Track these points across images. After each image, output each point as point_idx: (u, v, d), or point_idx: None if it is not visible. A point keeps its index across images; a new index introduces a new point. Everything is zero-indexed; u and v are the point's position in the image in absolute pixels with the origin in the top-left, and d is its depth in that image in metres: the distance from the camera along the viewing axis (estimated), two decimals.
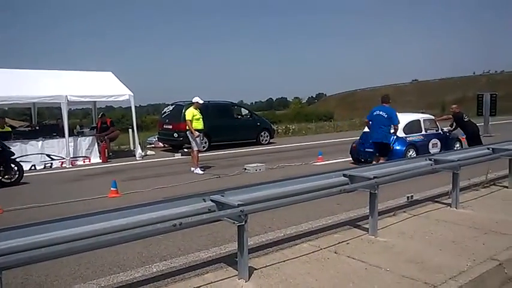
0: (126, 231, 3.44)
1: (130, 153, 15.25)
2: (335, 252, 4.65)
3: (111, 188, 8.25)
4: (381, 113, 8.88)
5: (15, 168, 10.18)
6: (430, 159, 6.62)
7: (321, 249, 4.75)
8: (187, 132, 11.15)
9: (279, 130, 23.55)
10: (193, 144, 11.03)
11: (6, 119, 14.88)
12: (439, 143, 11.20)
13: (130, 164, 13.28)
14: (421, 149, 10.68)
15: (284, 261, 4.41)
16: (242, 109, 19.63)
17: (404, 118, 10.69)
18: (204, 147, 11.36)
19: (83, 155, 13.61)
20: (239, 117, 18.34)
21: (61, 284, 4.09)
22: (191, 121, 10.89)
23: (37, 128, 14.71)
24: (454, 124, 12.28)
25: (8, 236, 3.18)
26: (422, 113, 11.82)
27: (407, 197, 6.86)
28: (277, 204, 4.42)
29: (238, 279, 3.95)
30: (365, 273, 4.10)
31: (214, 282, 3.93)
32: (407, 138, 10.67)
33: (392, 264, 4.26)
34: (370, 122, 9.22)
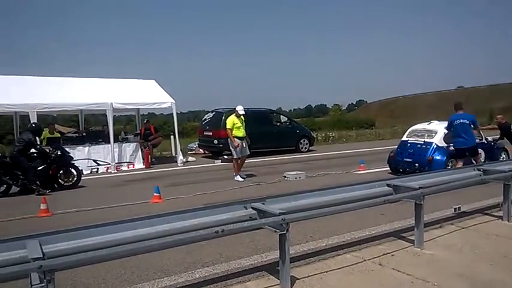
0: (169, 236, 3.50)
1: (172, 160, 15.57)
2: (379, 264, 4.53)
3: (154, 194, 8.44)
4: (462, 120, 9.15)
5: (74, 172, 10.72)
6: (479, 170, 6.37)
7: (365, 260, 4.65)
8: (228, 140, 11.13)
9: (319, 137, 23.37)
10: (233, 152, 11.00)
11: (55, 125, 15.57)
12: (482, 153, 10.32)
13: (172, 170, 13.55)
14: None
15: (327, 271, 4.34)
16: (281, 116, 19.60)
17: (443, 127, 10.33)
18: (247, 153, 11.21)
19: (127, 161, 14.02)
20: (278, 124, 18.33)
21: (108, 286, 4.21)
22: (231, 130, 10.84)
23: (84, 134, 15.30)
24: (500, 134, 11.81)
25: (58, 239, 3.33)
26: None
27: (455, 209, 6.59)
28: (319, 213, 4.37)
29: None
30: (411, 286, 3.97)
31: None
32: (449, 148, 10.03)
33: (440, 278, 4.10)
34: (451, 131, 9.51)
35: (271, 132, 17.09)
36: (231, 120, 10.94)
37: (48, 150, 10.20)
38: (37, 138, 10.48)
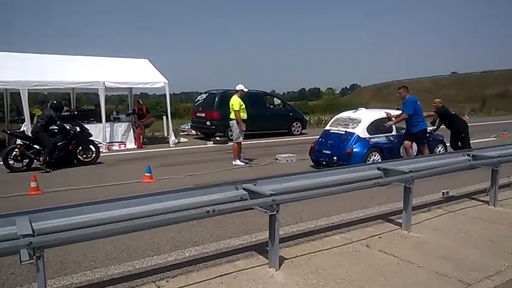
0: (161, 215, 3.53)
1: (164, 140, 15.54)
2: (367, 246, 4.60)
3: (146, 174, 8.45)
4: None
5: (93, 148, 10.91)
6: (468, 155, 6.43)
7: (353, 242, 4.72)
8: (233, 122, 10.52)
9: (311, 121, 23.34)
10: (239, 135, 10.49)
11: (47, 103, 15.43)
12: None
13: (164, 151, 13.52)
14: (389, 152, 8.89)
15: (315, 252, 4.41)
16: (275, 99, 19.53)
17: (369, 115, 9.45)
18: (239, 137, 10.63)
19: (119, 141, 13.95)
20: (271, 107, 18.28)
21: (97, 264, 4.23)
22: (239, 111, 10.30)
23: (75, 113, 15.16)
24: (438, 121, 10.30)
25: (48, 216, 3.34)
26: (397, 109, 9.64)
27: (443, 193, 6.70)
28: (310, 195, 4.41)
29: (269, 268, 3.99)
30: (397, 268, 4.05)
31: (245, 269, 3.98)
32: (371, 140, 8.94)
33: (426, 260, 4.18)
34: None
35: (264, 115, 17.02)
36: (238, 102, 10.35)
37: (68, 127, 10.33)
38: (58, 114, 10.46)
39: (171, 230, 4.85)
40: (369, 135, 8.94)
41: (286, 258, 4.19)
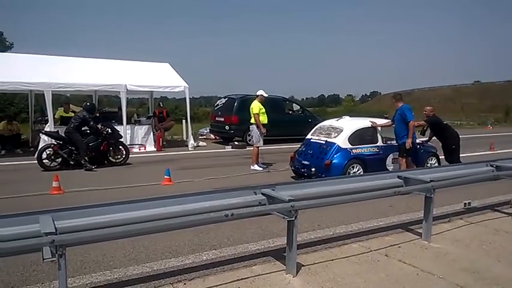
0: (180, 217, 3.55)
1: (183, 144, 15.64)
2: (386, 255, 4.54)
3: (165, 176, 8.53)
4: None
5: (123, 149, 11.20)
6: (491, 165, 6.30)
7: (371, 250, 4.67)
8: (253, 126, 10.54)
9: None
10: (259, 140, 10.45)
11: (70, 105, 15.72)
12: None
13: (183, 154, 13.62)
14: (372, 164, 8.28)
15: (333, 260, 4.37)
16: (294, 104, 19.52)
17: (352, 124, 8.84)
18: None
19: (139, 143, 14.12)
20: (290, 112, 18.27)
21: (117, 264, 4.28)
22: (258, 114, 10.33)
23: (97, 114, 15.40)
24: (429, 132, 9.69)
25: (70, 215, 3.40)
26: (385, 117, 9.09)
27: (465, 204, 6.55)
28: (329, 202, 4.39)
29: (286, 274, 3.97)
30: (416, 278, 3.98)
31: (262, 274, 3.97)
32: (353, 151, 8.30)
33: (446, 272, 4.10)
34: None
35: (283, 120, 16.99)
36: (258, 106, 10.41)
37: (99, 128, 10.59)
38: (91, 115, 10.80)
39: (189, 232, 4.89)
40: (350, 146, 8.31)
41: (303, 265, 4.17)
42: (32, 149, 12.91)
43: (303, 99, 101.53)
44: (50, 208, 3.41)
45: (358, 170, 8.21)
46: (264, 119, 10.45)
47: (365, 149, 8.46)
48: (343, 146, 8.26)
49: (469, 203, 6.58)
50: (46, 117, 12.63)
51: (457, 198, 6.71)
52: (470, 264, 4.33)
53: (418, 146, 8.84)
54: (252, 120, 10.54)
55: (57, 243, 2.90)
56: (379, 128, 8.72)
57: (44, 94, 12.29)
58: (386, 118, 9.03)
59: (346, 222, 5.80)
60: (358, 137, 8.48)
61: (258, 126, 10.39)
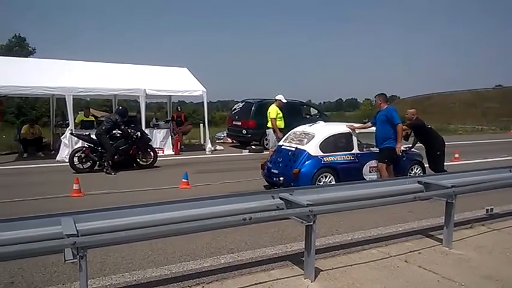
0: (199, 221, 3.58)
1: (200, 147, 15.74)
2: (405, 261, 4.48)
3: (183, 180, 8.59)
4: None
5: (151, 153, 11.45)
6: None
7: (391, 256, 4.61)
8: (270, 130, 10.60)
9: None
10: (272, 143, 10.49)
11: (90, 109, 15.99)
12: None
13: (200, 158, 13.71)
14: (346, 173, 7.49)
15: (351, 265, 4.33)
16: (311, 109, 19.44)
17: (324, 130, 8.14)
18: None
19: (158, 147, 14.18)
20: (308, 116, 18.16)
21: (136, 266, 4.33)
22: (275, 119, 10.42)
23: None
24: (413, 137, 8.95)
25: (91, 217, 3.45)
26: (364, 123, 8.40)
27: (487, 210, 6.42)
28: (347, 207, 4.36)
29: (304, 279, 3.94)
30: (437, 285, 3.91)
31: (280, 279, 3.96)
32: (324, 159, 7.56)
33: (468, 279, 4.02)
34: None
35: (301, 125, 16.94)
36: (275, 110, 10.54)
37: (130, 132, 10.82)
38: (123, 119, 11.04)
39: (207, 236, 4.90)
40: (321, 153, 7.58)
41: (322, 270, 4.14)
42: (53, 152, 13.18)
43: (320, 103, 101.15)
44: (70, 210, 3.47)
45: (329, 180, 7.49)
46: (280, 123, 10.50)
47: (338, 157, 7.71)
48: (313, 154, 7.56)
49: (492, 209, 6.45)
50: (67, 121, 12.85)
51: (478, 204, 6.58)
52: (493, 271, 4.23)
53: (401, 153, 7.92)
54: (269, 124, 10.57)
55: (78, 245, 2.95)
56: (355, 135, 7.99)
57: (65, 98, 12.52)
58: (364, 123, 8.44)
59: (364, 227, 5.74)
60: (331, 144, 7.80)
61: (274, 131, 10.38)
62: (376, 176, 7.81)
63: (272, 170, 8.02)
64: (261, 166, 8.62)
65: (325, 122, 14.69)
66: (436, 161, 8.52)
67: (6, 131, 16.25)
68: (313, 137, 7.87)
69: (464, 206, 6.38)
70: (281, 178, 7.60)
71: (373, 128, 7.93)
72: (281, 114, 10.54)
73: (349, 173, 7.51)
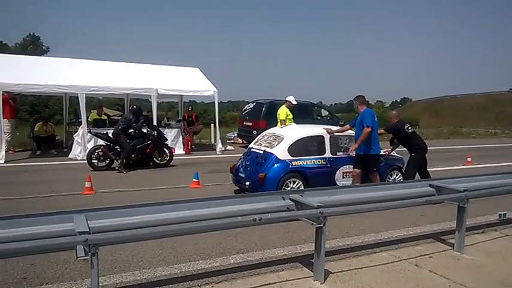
0: (209, 220, 3.59)
1: (211, 147, 15.79)
2: (416, 265, 4.44)
3: (193, 179, 8.61)
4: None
5: (167, 152, 11.59)
6: None
7: (401, 260, 4.57)
8: None
9: None
10: None
11: (103, 108, 16.14)
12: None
13: (211, 158, 13.74)
14: (316, 179, 7.03)
15: (361, 268, 4.31)
16: (322, 110, 19.35)
17: (294, 132, 7.71)
18: None
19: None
20: (319, 118, 18.11)
21: (146, 264, 4.35)
22: (285, 120, 10.45)
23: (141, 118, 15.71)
24: (395, 141, 8.55)
25: (102, 215, 3.48)
26: (341, 125, 7.75)
27: (500, 215, 6.32)
28: (358, 209, 4.35)
29: (313, 281, 3.94)
30: None
31: (290, 280, 3.95)
32: (292, 163, 7.12)
33: (480, 285, 3.98)
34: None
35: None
36: (285, 111, 10.57)
37: (146, 131, 10.96)
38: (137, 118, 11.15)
39: (217, 235, 4.92)
40: (290, 157, 7.14)
41: (331, 272, 4.12)
42: (66, 149, 13.34)
43: (331, 104, 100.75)
44: (82, 208, 3.50)
45: (297, 186, 7.01)
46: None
47: (308, 161, 7.26)
48: (281, 157, 7.12)
49: (504, 214, 6.35)
50: (80, 119, 12.99)
51: (490, 209, 6.51)
52: (506, 277, 4.18)
53: (379, 159, 7.59)
54: (279, 125, 10.57)
55: (90, 242, 2.98)
56: (327, 138, 7.53)
57: (78, 97, 12.65)
58: (341, 126, 8.06)
59: (375, 230, 5.71)
60: (301, 147, 7.34)
61: None
62: (350, 182, 7.36)
63: (239, 174, 7.65)
64: (229, 169, 8.11)
65: (336, 124, 14.75)
66: (409, 164, 8.04)
67: (19, 129, 16.43)
68: (283, 139, 7.47)
69: (477, 211, 6.31)
70: (247, 183, 7.21)
71: (352, 131, 7.68)
72: (291, 116, 10.55)
73: (319, 178, 7.12)
